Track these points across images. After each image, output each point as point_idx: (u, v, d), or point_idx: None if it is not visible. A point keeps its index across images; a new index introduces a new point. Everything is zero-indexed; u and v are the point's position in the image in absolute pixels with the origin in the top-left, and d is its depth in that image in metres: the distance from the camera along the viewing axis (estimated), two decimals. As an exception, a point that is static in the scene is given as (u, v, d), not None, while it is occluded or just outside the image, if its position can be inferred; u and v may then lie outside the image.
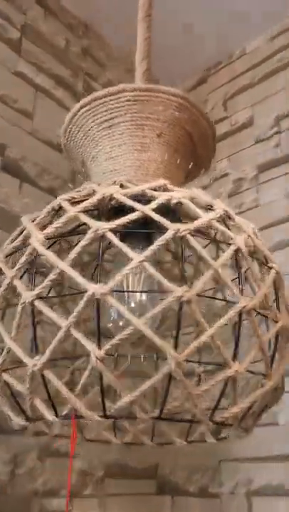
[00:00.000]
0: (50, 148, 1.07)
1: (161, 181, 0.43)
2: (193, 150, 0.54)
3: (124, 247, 0.36)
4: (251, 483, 0.93)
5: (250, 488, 0.92)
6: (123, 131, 0.50)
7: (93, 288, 0.34)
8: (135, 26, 1.31)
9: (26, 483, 0.82)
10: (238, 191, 1.22)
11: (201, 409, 0.34)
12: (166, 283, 0.34)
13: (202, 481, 1.01)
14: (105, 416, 0.34)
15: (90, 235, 0.36)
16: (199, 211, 0.39)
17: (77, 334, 0.34)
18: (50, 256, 0.36)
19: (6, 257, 0.45)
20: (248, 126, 1.27)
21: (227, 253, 0.37)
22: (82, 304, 0.34)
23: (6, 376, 0.37)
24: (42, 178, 1.04)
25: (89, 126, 0.52)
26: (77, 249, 0.37)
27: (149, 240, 0.44)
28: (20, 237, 0.42)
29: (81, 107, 0.52)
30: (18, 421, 0.38)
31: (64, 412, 0.35)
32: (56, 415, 0.36)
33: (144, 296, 0.48)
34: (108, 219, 0.39)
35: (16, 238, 0.44)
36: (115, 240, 0.36)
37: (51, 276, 0.37)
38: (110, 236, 0.36)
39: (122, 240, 0.42)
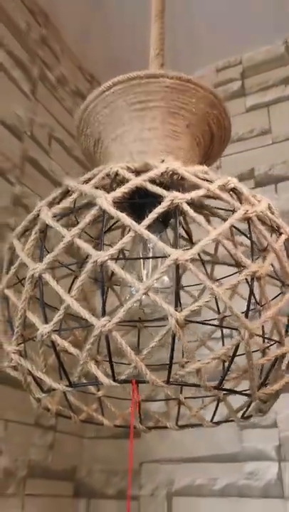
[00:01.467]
0: (4, 129, 1.03)
1: (205, 167, 0.45)
2: (210, 147, 0.56)
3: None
4: (172, 483, 0.95)
5: (172, 489, 0.95)
6: (156, 115, 0.51)
7: (96, 255, 0.34)
8: (90, 25, 1.32)
9: None
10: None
11: (254, 383, 0.36)
12: (165, 247, 0.34)
13: (121, 483, 1.00)
14: (168, 382, 0.34)
15: (166, 203, 0.37)
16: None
17: (155, 296, 0.33)
18: (57, 226, 0.36)
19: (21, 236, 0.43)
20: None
21: (283, 237, 0.40)
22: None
23: (58, 339, 0.35)
24: (-7, 157, 0.98)
25: (119, 104, 0.52)
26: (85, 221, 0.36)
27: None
28: (31, 215, 0.40)
29: (114, 84, 0.51)
30: (58, 387, 0.36)
31: (123, 376, 0.34)
32: (114, 379, 0.34)
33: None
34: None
35: (59, 200, 0.42)
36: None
37: (61, 245, 0.36)
38: (186, 207, 0.37)
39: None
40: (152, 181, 0.40)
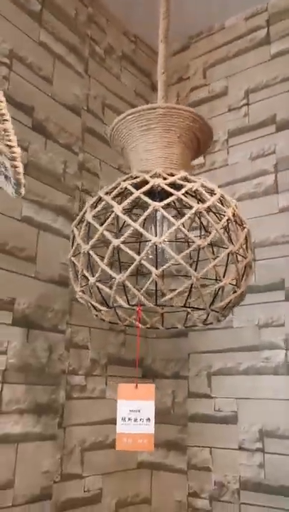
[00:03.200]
0: (66, 109, 1.32)
1: (183, 173, 0.73)
2: (198, 146, 0.83)
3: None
4: (211, 367, 1.32)
5: (210, 371, 1.31)
6: (156, 133, 0.79)
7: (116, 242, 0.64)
8: None
9: (57, 365, 1.16)
10: (212, 151, 1.52)
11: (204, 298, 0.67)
12: (147, 234, 0.65)
13: (175, 368, 1.39)
14: (156, 305, 0.66)
15: (150, 209, 0.67)
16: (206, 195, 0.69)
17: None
18: (126, 218, 0.67)
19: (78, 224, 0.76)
20: (223, 95, 1.54)
21: (223, 220, 0.68)
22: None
23: (100, 285, 0.68)
24: (60, 135, 1.29)
25: (132, 127, 0.80)
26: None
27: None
28: (100, 206, 0.71)
29: (128, 115, 0.79)
30: (103, 308, 0.70)
31: (133, 303, 0.67)
32: (128, 304, 0.67)
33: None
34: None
35: (96, 205, 0.73)
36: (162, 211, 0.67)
37: (96, 235, 0.67)
38: (161, 210, 0.67)
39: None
40: (147, 193, 0.70)
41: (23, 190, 0.48)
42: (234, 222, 0.69)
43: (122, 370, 1.35)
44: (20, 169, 0.45)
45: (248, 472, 1.19)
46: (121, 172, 1.46)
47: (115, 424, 0.69)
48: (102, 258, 0.67)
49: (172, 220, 0.65)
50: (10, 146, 0.43)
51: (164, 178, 0.71)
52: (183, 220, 0.65)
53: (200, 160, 1.53)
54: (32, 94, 1.22)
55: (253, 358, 1.25)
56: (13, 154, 0.43)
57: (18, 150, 0.44)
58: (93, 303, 0.70)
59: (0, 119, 0.41)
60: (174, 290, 0.65)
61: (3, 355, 1.03)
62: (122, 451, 0.79)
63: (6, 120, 0.42)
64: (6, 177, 0.47)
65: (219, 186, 1.41)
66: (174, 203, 0.75)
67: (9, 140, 0.43)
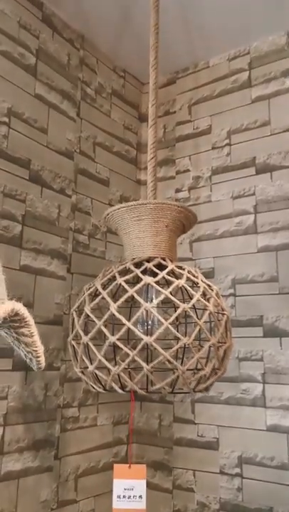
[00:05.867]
0: (59, 155, 1.39)
1: (171, 265, 0.83)
2: (183, 229, 0.93)
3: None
4: (195, 394, 1.44)
5: (194, 398, 1.44)
6: (146, 223, 0.88)
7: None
8: (120, 33, 1.56)
9: (53, 401, 1.27)
10: (196, 186, 1.61)
11: (188, 382, 0.78)
12: (141, 300, 0.75)
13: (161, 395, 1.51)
14: (148, 392, 0.77)
15: (141, 310, 0.77)
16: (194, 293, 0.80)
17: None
18: (121, 317, 0.77)
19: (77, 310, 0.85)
20: (206, 133, 1.63)
21: (205, 315, 0.79)
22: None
23: (98, 372, 0.79)
24: (55, 181, 1.37)
25: (125, 217, 0.89)
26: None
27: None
28: (97, 300, 0.81)
29: (120, 208, 0.89)
30: (100, 390, 0.80)
31: (127, 389, 0.78)
32: (123, 390, 0.78)
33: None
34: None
35: (93, 296, 0.83)
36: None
37: (93, 330, 0.78)
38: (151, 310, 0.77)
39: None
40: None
41: (42, 368, 0.60)
42: (215, 313, 0.80)
43: (113, 395, 1.47)
44: (43, 361, 0.56)
45: (227, 494, 1.33)
46: (111, 206, 1.55)
47: (106, 448, 0.81)
48: (99, 348, 0.77)
49: (162, 320, 0.76)
50: (35, 351, 0.54)
51: (154, 273, 0.81)
52: (170, 320, 0.76)
53: (185, 194, 1.62)
54: (28, 146, 1.29)
55: (233, 388, 1.38)
56: (38, 358, 0.54)
57: (41, 350, 0.55)
58: (91, 384, 0.81)
59: (30, 335, 0.51)
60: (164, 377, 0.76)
61: (4, 400, 1.14)
62: (112, 475, 0.90)
63: (34, 335, 0.53)
64: (26, 356, 0.58)
65: (203, 222, 1.53)
66: (164, 279, 0.86)
67: (36, 346, 0.53)
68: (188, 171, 1.64)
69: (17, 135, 1.26)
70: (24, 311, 0.50)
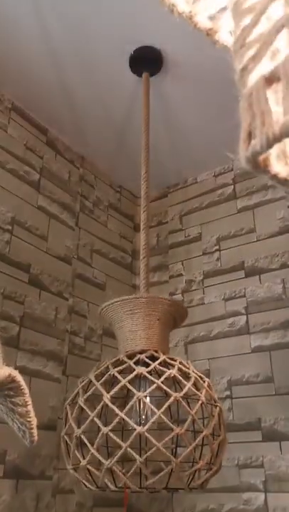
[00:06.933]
0: (58, 260, 1.47)
1: (162, 357, 0.86)
2: (175, 323, 0.97)
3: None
4: (195, 507, 1.36)
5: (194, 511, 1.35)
6: (139, 316, 0.93)
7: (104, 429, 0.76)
8: (116, 154, 1.70)
9: (44, 512, 1.20)
10: (189, 289, 1.67)
11: (182, 478, 0.76)
12: (133, 390, 0.76)
13: (160, 507, 1.42)
14: (141, 487, 0.75)
15: (134, 399, 0.78)
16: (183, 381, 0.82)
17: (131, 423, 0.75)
18: (114, 408, 0.78)
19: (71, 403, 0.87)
20: (197, 240, 1.73)
21: (197, 405, 0.80)
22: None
23: (90, 468, 0.77)
24: (53, 285, 1.43)
25: (118, 311, 0.94)
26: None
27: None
28: (91, 391, 0.83)
29: (115, 302, 0.94)
30: (92, 488, 0.78)
31: (120, 485, 0.76)
32: (116, 486, 0.76)
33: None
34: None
35: (87, 388, 0.84)
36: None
37: (85, 424, 0.78)
38: (144, 399, 0.78)
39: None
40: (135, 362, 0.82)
41: (34, 444, 0.61)
42: (207, 403, 0.81)
43: (108, 511, 1.38)
44: (35, 434, 0.58)
45: None
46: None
47: None
48: (92, 441, 0.77)
49: (154, 409, 0.77)
50: (29, 422, 0.56)
51: (147, 364, 0.83)
52: (163, 409, 0.77)
53: (178, 297, 1.68)
54: (29, 252, 1.38)
55: (234, 499, 1.31)
56: (32, 430, 0.56)
57: (35, 422, 0.58)
58: (84, 482, 0.79)
59: (25, 405, 0.54)
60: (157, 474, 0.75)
61: (-7, 510, 1.08)
62: None
63: (29, 405, 0.56)
64: (19, 429, 0.60)
65: (197, 323, 1.57)
66: (154, 370, 0.87)
67: (29, 417, 0.56)
68: (181, 275, 1.72)
69: (19, 241, 1.35)
70: (20, 378, 0.53)
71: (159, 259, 1.80)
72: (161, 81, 1.35)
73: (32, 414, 0.58)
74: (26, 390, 0.58)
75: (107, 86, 1.40)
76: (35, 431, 0.59)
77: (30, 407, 0.58)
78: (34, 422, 0.59)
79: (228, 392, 1.44)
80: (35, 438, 0.60)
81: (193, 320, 1.61)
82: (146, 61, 1.26)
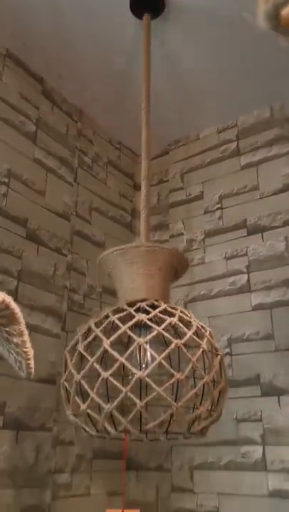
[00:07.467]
0: (56, 216, 1.44)
1: (163, 305, 0.84)
2: (175, 274, 0.95)
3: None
4: (193, 461, 1.37)
5: (192, 465, 1.37)
6: (140, 266, 0.90)
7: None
8: (116, 108, 1.65)
9: (44, 464, 1.21)
10: (190, 249, 1.65)
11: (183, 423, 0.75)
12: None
13: (159, 460, 1.44)
14: (141, 431, 0.75)
15: (134, 344, 0.76)
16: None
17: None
18: (114, 353, 0.76)
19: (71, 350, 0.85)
20: (199, 198, 1.70)
21: (199, 352, 0.78)
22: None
23: (90, 412, 0.76)
24: (51, 241, 1.40)
25: (118, 260, 0.91)
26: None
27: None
28: (91, 338, 0.81)
29: (114, 251, 0.91)
30: (92, 432, 0.77)
31: (120, 429, 0.75)
32: (116, 430, 0.76)
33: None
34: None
35: (86, 335, 0.83)
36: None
37: (86, 367, 0.77)
38: (144, 345, 0.77)
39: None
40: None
41: (32, 376, 0.59)
42: (208, 351, 0.80)
43: (108, 463, 1.39)
44: (33, 365, 0.56)
45: None
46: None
47: None
48: (92, 386, 0.76)
49: (155, 354, 0.75)
50: (25, 352, 0.54)
51: (147, 312, 0.81)
52: (163, 355, 0.75)
53: (179, 256, 1.65)
54: (26, 206, 1.34)
55: (232, 452, 1.32)
56: (28, 361, 0.54)
57: (31, 353, 0.55)
58: (84, 426, 0.78)
59: (21, 334, 0.52)
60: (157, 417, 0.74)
61: (-7, 459, 1.08)
62: None
63: (25, 334, 0.53)
64: (16, 361, 0.58)
65: (197, 283, 1.55)
66: (155, 319, 0.86)
67: (26, 347, 0.53)
68: (181, 234, 1.69)
69: (16, 195, 1.32)
70: (14, 306, 0.50)
71: (160, 218, 1.77)
72: (163, 25, 1.28)
73: (28, 344, 0.57)
74: (22, 319, 0.56)
75: (107, 31, 1.34)
76: (32, 362, 0.57)
77: (26, 337, 0.56)
78: (31, 352, 0.57)
79: (227, 350, 1.44)
80: (33, 369, 0.59)
81: (193, 279, 1.59)
82: (148, 1, 1.20)
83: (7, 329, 0.53)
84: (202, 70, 1.47)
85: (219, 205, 1.64)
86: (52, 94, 1.54)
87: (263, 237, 1.50)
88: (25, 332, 0.56)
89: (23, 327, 0.56)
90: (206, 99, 1.61)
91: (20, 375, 0.61)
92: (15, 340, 0.55)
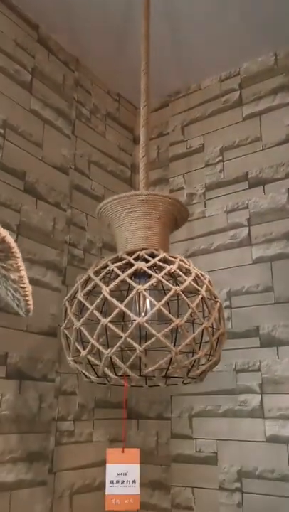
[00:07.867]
0: (55, 170, 1.42)
1: (163, 254, 0.84)
2: (175, 223, 0.94)
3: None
4: (192, 409, 1.41)
5: (192, 413, 1.40)
6: (139, 215, 0.89)
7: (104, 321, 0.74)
8: (114, 57, 1.61)
9: (48, 413, 1.24)
10: (190, 203, 1.63)
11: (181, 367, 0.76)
12: (133, 283, 0.75)
13: (159, 409, 1.47)
14: (140, 375, 0.76)
15: (134, 292, 0.76)
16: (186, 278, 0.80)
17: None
18: (113, 300, 0.76)
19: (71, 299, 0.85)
20: (199, 151, 1.66)
21: (198, 299, 0.78)
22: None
23: (90, 358, 0.77)
24: (50, 194, 1.39)
25: (117, 209, 0.90)
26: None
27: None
28: (90, 286, 0.81)
29: (114, 199, 0.90)
30: (92, 378, 0.79)
31: (120, 373, 0.76)
32: (115, 374, 0.77)
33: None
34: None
35: (86, 283, 0.83)
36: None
37: (86, 315, 0.77)
38: (144, 293, 0.77)
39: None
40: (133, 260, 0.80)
41: (30, 313, 0.59)
42: (207, 299, 0.80)
43: (109, 412, 1.43)
44: (31, 302, 0.56)
45: (227, 511, 1.27)
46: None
47: (101, 466, 0.78)
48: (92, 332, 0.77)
49: (154, 301, 0.75)
50: (23, 288, 0.53)
51: (146, 260, 0.81)
52: (163, 301, 0.75)
53: (179, 211, 1.64)
54: (24, 159, 1.32)
55: (231, 401, 1.35)
56: (27, 298, 0.53)
57: (29, 290, 0.55)
58: (84, 372, 0.79)
59: (18, 269, 0.51)
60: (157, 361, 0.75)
61: (-3, 407, 1.11)
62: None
63: (22, 270, 0.53)
64: (14, 298, 0.57)
65: (197, 237, 1.55)
66: (154, 268, 0.86)
67: (23, 283, 0.53)
68: (182, 188, 1.67)
69: (12, 147, 1.29)
70: (11, 240, 0.50)
71: (160, 172, 1.74)
72: None
73: (26, 280, 0.56)
74: (18, 254, 0.55)
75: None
76: (30, 298, 0.57)
77: (23, 273, 0.55)
78: (29, 288, 0.57)
79: (227, 303, 1.45)
80: (31, 306, 0.59)
81: (193, 234, 1.59)
82: None
83: (3, 265, 0.52)
84: (202, 15, 1.41)
85: (220, 158, 1.61)
86: (48, 42, 1.48)
87: (264, 190, 1.48)
88: (23, 267, 0.56)
89: (20, 262, 0.55)
90: (207, 47, 1.55)
91: (19, 313, 0.61)
92: (12, 276, 0.54)
